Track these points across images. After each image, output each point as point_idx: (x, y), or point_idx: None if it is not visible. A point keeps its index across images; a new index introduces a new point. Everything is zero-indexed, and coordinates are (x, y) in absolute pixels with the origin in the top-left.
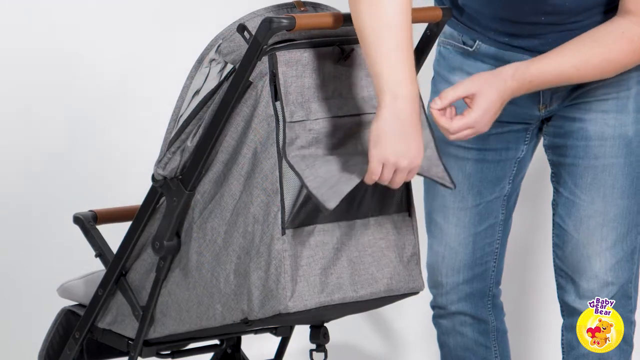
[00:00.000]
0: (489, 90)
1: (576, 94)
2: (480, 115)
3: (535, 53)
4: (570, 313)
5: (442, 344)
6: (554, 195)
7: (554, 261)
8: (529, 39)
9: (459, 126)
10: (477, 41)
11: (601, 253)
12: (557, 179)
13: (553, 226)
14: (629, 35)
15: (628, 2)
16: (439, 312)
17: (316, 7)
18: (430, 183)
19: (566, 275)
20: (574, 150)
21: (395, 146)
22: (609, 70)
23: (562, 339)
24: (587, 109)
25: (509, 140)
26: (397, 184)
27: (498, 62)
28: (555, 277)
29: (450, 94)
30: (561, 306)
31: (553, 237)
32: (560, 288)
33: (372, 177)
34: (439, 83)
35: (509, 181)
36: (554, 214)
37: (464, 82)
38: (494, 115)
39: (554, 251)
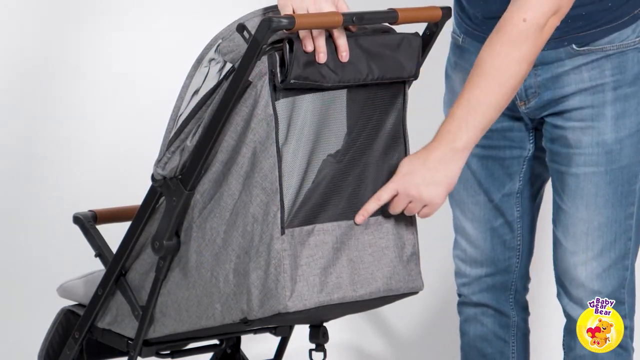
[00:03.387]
0: (405, 159)
1: (553, 100)
2: (400, 178)
3: None
4: (566, 316)
5: (463, 332)
6: (552, 199)
7: (553, 265)
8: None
9: (380, 195)
10: (463, 35)
11: (587, 262)
12: (552, 182)
13: (552, 230)
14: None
15: None
16: (463, 300)
17: None
18: None
19: (559, 280)
20: (559, 157)
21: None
22: (516, 71)
23: (563, 340)
24: (567, 118)
25: (512, 139)
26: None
27: (478, 50)
28: (555, 280)
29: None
30: (562, 308)
31: (552, 240)
32: (557, 291)
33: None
34: (446, 79)
35: (519, 178)
36: (552, 219)
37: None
38: (423, 175)
39: (552, 255)
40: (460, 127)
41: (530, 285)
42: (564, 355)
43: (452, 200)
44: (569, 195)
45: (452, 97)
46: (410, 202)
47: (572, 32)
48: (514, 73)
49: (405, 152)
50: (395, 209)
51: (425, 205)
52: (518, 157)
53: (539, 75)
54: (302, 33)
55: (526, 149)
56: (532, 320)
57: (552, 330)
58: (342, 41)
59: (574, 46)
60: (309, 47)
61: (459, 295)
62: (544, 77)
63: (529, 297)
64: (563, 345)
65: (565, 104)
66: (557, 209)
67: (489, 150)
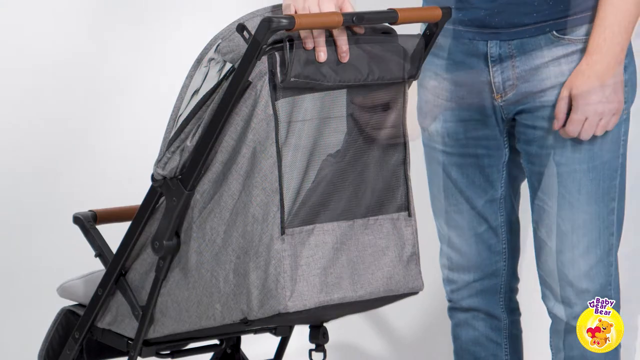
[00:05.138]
0: (570, 79)
1: (530, 93)
2: (583, 105)
3: (485, 28)
4: (552, 317)
5: (455, 337)
6: (530, 201)
7: (536, 267)
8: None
9: (570, 130)
10: None
11: (574, 260)
12: (529, 184)
13: (533, 232)
14: None
15: None
16: (453, 305)
17: None
18: (433, 187)
19: (544, 282)
20: (538, 158)
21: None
22: None
23: (550, 341)
24: (545, 117)
25: (489, 147)
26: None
27: (446, 53)
28: (539, 281)
29: (559, 109)
30: (547, 310)
31: (534, 242)
32: (542, 293)
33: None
34: (418, 88)
35: (501, 185)
36: (531, 220)
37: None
38: (601, 90)
39: (535, 257)
40: (614, 32)
41: (522, 286)
42: (552, 356)
43: (435, 210)
44: (550, 195)
45: (424, 105)
46: (600, 119)
47: (552, 17)
48: None
49: (405, 152)
50: (588, 133)
51: (613, 115)
52: (497, 163)
53: (517, 67)
54: (302, 33)
55: (503, 154)
56: (525, 321)
57: (547, 331)
58: (342, 42)
59: (554, 32)
60: (309, 45)
61: (449, 300)
62: (522, 69)
63: (521, 298)
64: (550, 346)
65: (544, 99)
66: (539, 210)
67: (467, 158)
